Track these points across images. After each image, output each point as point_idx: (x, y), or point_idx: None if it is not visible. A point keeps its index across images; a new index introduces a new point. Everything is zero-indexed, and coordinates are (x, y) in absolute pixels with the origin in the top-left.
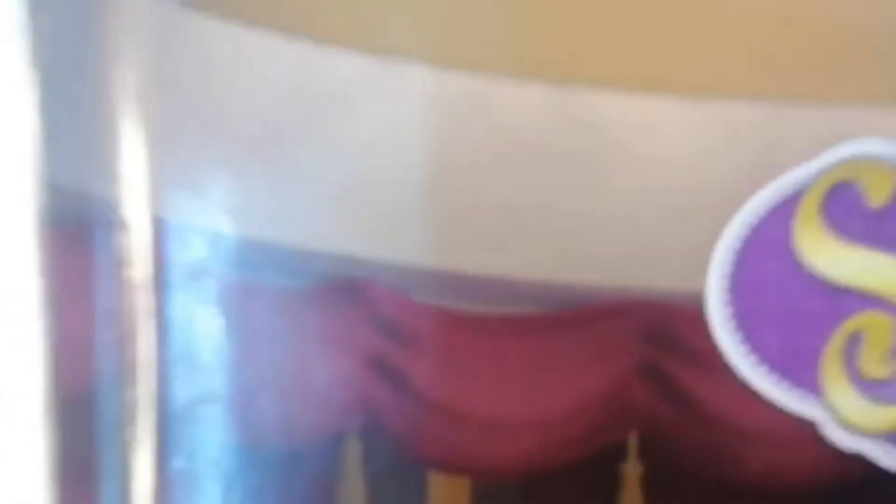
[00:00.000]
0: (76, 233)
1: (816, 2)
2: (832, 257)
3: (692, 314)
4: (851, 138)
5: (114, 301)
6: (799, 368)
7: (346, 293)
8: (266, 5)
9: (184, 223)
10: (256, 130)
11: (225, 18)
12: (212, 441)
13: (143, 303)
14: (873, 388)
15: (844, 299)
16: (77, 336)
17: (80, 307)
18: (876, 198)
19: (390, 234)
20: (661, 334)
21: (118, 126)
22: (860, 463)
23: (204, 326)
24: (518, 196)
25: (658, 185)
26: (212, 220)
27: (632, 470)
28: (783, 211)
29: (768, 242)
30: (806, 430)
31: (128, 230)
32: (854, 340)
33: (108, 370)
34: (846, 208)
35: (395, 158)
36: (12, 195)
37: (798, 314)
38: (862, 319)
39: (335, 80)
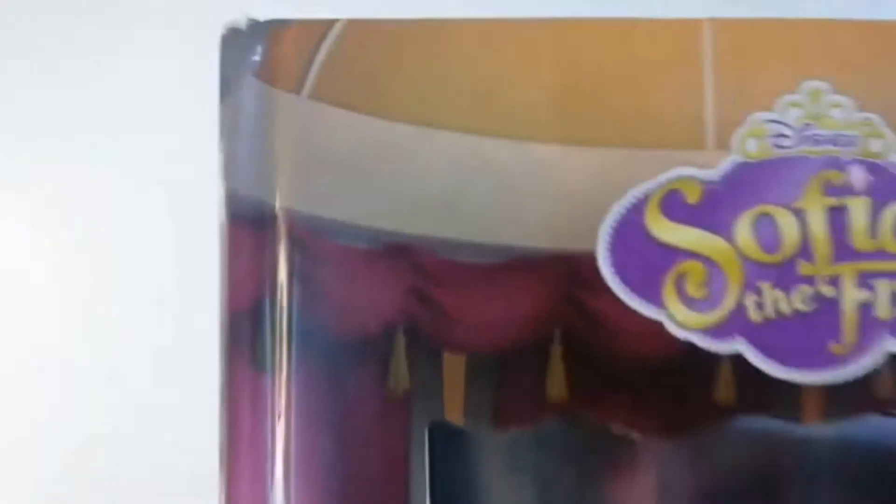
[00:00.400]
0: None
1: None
2: (667, 232)
3: (593, 266)
4: (659, 169)
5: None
6: (651, 292)
7: (394, 251)
8: (375, 97)
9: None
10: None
11: (345, 108)
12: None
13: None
14: (694, 303)
15: (675, 254)
16: None
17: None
18: (691, 198)
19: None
20: (576, 276)
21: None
22: (690, 346)
23: None
24: None
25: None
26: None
27: (556, 349)
28: (639, 206)
29: (630, 224)
30: (656, 327)
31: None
32: (681, 276)
33: None
34: (674, 204)
35: None
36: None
37: (649, 264)
38: (685, 265)
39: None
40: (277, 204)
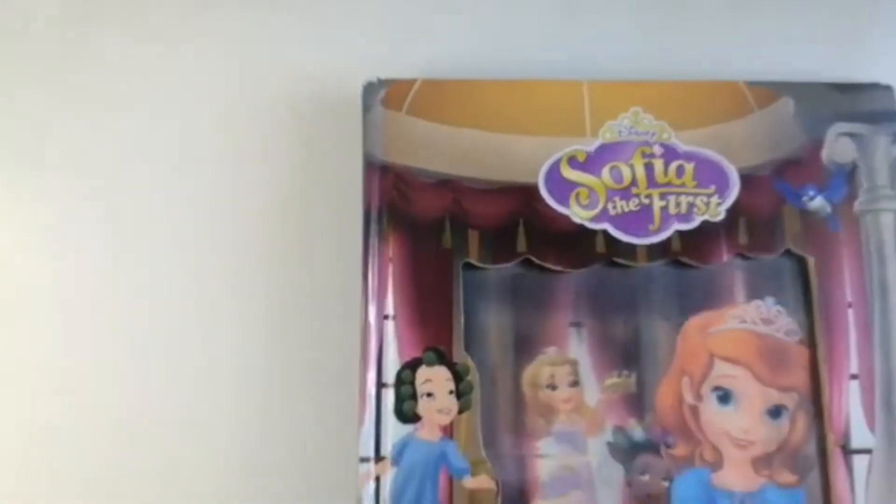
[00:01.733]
0: None
1: None
2: (570, 174)
3: (537, 190)
4: (567, 145)
5: None
6: (564, 201)
7: (444, 182)
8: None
9: None
10: None
11: (422, 118)
12: None
13: None
14: (583, 206)
15: (574, 185)
16: None
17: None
18: (580, 158)
19: None
20: (530, 194)
21: None
22: (582, 226)
23: None
24: None
25: None
26: None
27: (521, 227)
28: (557, 162)
29: (554, 171)
30: (566, 217)
31: None
32: (578, 194)
33: None
34: (573, 161)
35: None
36: None
37: (562, 188)
38: (579, 190)
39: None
40: (389, 159)
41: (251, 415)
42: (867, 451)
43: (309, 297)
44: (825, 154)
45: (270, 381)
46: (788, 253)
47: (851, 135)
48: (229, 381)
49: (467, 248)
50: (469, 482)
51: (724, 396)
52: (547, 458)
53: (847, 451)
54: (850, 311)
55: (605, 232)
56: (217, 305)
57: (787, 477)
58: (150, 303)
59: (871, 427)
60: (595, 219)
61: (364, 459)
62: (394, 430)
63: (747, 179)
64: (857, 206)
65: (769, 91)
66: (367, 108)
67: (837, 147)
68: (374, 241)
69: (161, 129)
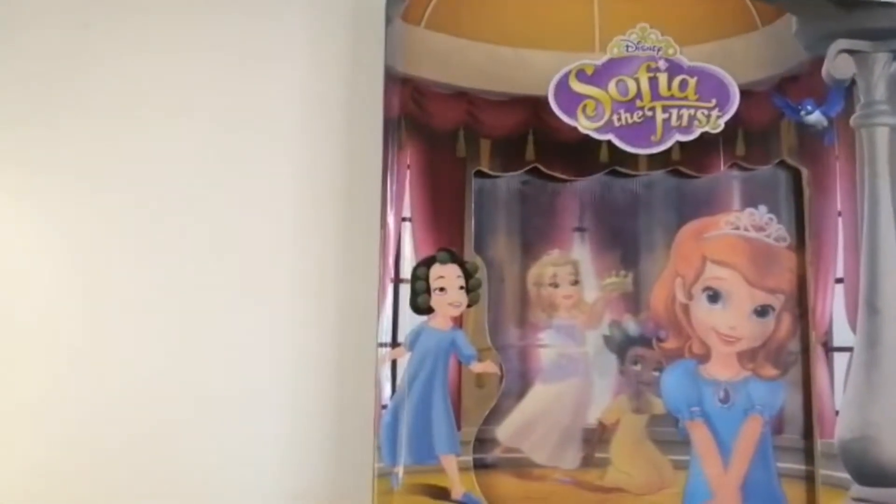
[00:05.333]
0: None
1: None
2: (578, 87)
3: (547, 101)
4: (575, 59)
5: None
6: (572, 112)
7: (460, 93)
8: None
9: None
10: None
11: (438, 31)
12: None
13: None
14: (590, 118)
15: (582, 97)
16: None
17: None
18: (589, 72)
19: None
20: (540, 105)
21: None
22: (588, 136)
23: None
24: None
25: None
26: None
27: (530, 136)
28: (566, 75)
29: (563, 83)
30: (573, 128)
31: None
32: (585, 106)
33: None
34: (582, 74)
35: None
36: None
37: (570, 100)
38: (586, 102)
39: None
40: (408, 71)
41: (283, 303)
42: (848, 350)
43: (332, 201)
44: (825, 70)
45: (300, 275)
46: (783, 164)
47: (852, 51)
48: (260, 273)
49: (479, 157)
50: (476, 367)
51: (714, 296)
52: (548, 348)
53: (828, 349)
54: (840, 220)
55: (609, 142)
56: (248, 202)
57: (770, 370)
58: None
59: (853, 327)
60: (600, 130)
61: (382, 344)
62: (409, 320)
63: (747, 94)
64: (854, 120)
65: (773, 8)
66: (388, 21)
67: (837, 63)
68: (393, 149)
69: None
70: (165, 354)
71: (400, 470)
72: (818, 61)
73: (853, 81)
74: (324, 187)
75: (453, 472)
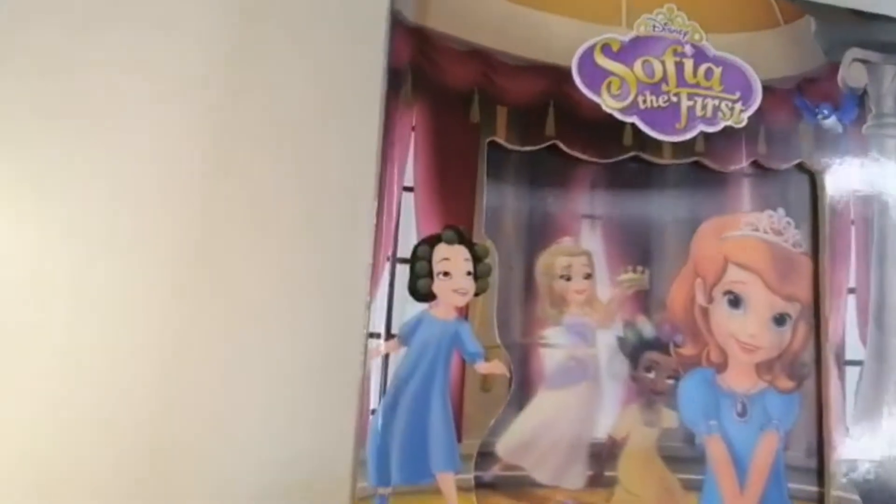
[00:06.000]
0: None
1: None
2: (604, 62)
3: (570, 74)
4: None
5: None
6: (595, 89)
7: (476, 52)
8: None
9: None
10: None
11: None
12: None
13: None
14: (614, 97)
15: (607, 73)
16: None
17: None
18: (615, 48)
19: None
20: (562, 77)
21: None
22: (612, 116)
23: None
24: None
25: None
26: None
27: (551, 110)
28: (591, 48)
29: (587, 57)
30: (597, 105)
31: None
32: (609, 83)
33: None
34: (607, 49)
35: None
36: None
37: (595, 75)
38: (611, 79)
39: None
40: (418, 20)
41: (256, 286)
42: (858, 363)
43: (320, 162)
44: (840, 76)
45: (277, 249)
46: (801, 166)
47: (864, 61)
48: (238, 251)
49: (495, 125)
50: (482, 367)
51: (735, 301)
52: (555, 349)
53: (841, 362)
54: (853, 228)
55: (633, 125)
56: (228, 174)
57: (786, 382)
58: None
59: (864, 341)
60: (625, 111)
61: (373, 335)
62: (407, 307)
63: (769, 91)
64: (865, 129)
65: (795, 7)
66: None
67: (851, 71)
68: (396, 105)
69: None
70: (130, 352)
71: (388, 491)
72: (835, 66)
73: (865, 91)
74: (310, 144)
75: (451, 494)
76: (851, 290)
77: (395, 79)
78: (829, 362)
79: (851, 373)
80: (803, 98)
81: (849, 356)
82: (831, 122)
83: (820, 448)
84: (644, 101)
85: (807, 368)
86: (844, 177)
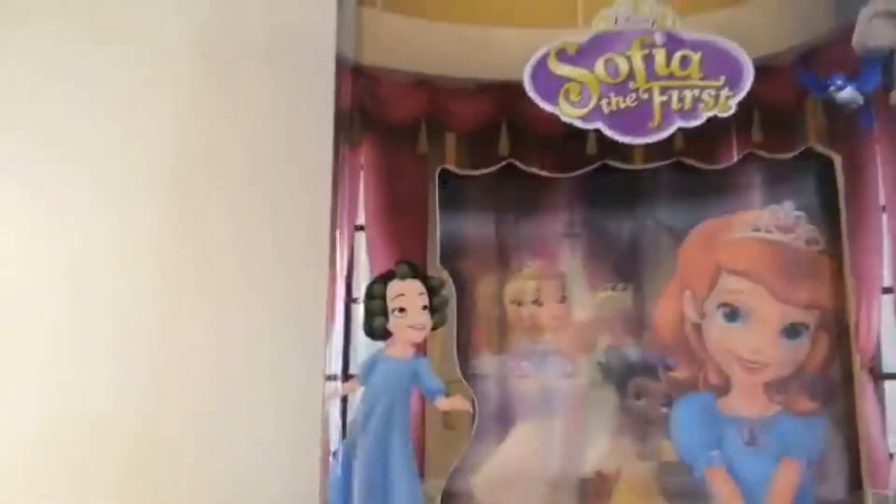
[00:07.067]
0: None
1: None
2: (559, 69)
3: (522, 87)
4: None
5: None
6: (552, 98)
7: (421, 82)
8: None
9: None
10: None
11: (395, 13)
12: None
13: None
14: (574, 104)
15: (564, 80)
16: None
17: None
18: (571, 51)
19: None
20: (514, 92)
21: None
22: (572, 126)
23: None
24: None
25: None
26: None
27: (504, 128)
28: (545, 56)
29: (541, 65)
30: (555, 116)
31: None
32: (567, 90)
33: None
34: (563, 55)
35: None
36: None
37: (550, 85)
38: (569, 85)
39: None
40: (361, 58)
41: (213, 328)
42: None
43: (275, 208)
44: (856, 38)
45: (230, 296)
46: (810, 152)
47: (890, 14)
48: (187, 291)
49: (444, 153)
50: (443, 403)
51: (732, 313)
52: (530, 379)
53: (877, 376)
54: (884, 216)
55: (597, 132)
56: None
57: (805, 404)
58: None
59: None
60: (587, 117)
61: (330, 377)
62: (363, 347)
63: (764, 69)
64: (895, 97)
65: None
66: (341, 4)
67: (871, 30)
68: (344, 147)
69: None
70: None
71: None
72: (847, 28)
73: (892, 51)
74: (264, 193)
75: None
76: (887, 290)
77: (342, 120)
78: (862, 377)
79: (892, 387)
80: (809, 71)
81: (886, 368)
82: (847, 93)
83: (857, 478)
84: (608, 104)
85: (833, 386)
86: (868, 157)
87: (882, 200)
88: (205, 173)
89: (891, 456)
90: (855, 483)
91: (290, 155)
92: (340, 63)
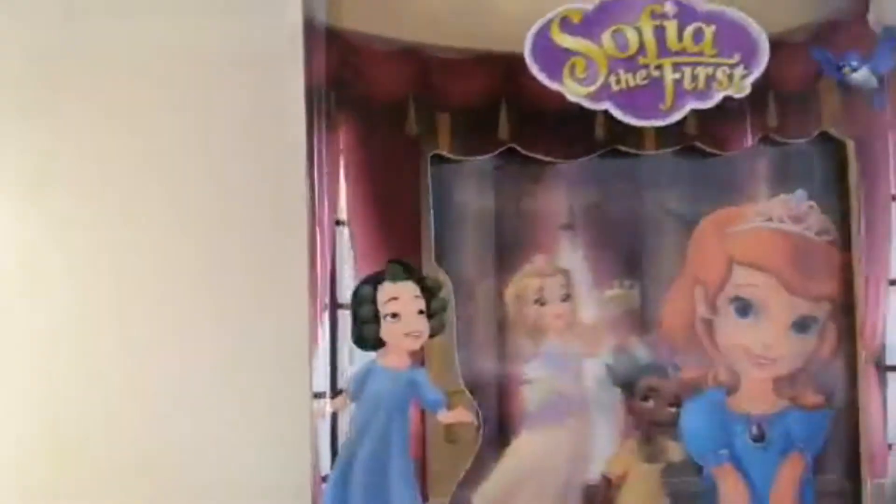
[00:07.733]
0: None
1: None
2: (563, 40)
3: (523, 60)
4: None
5: None
6: (555, 75)
7: (408, 50)
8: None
9: None
10: None
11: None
12: None
13: None
14: (580, 81)
15: (569, 53)
16: None
17: None
18: (576, 20)
19: None
20: (514, 66)
21: None
22: (579, 106)
23: None
24: None
25: None
26: None
27: (503, 108)
28: (547, 24)
29: (543, 35)
30: (559, 95)
31: None
32: (573, 66)
33: None
34: (566, 24)
35: None
36: None
37: (554, 58)
38: (574, 59)
39: None
40: (336, 23)
41: (177, 346)
42: None
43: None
44: (871, 15)
45: (204, 309)
46: (824, 136)
47: None
48: (164, 305)
49: (437, 136)
50: (445, 416)
51: (744, 308)
52: (535, 384)
53: (882, 369)
54: (894, 205)
55: (605, 113)
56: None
57: (813, 398)
58: None
59: None
60: (594, 96)
61: (318, 395)
62: (352, 358)
63: (779, 46)
64: None
65: None
66: None
67: (888, 5)
68: (319, 128)
69: None
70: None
71: None
72: (863, 2)
73: None
74: (232, 184)
75: None
76: (894, 282)
77: (314, 97)
78: (866, 370)
79: (894, 380)
80: (824, 49)
81: (890, 361)
82: (861, 75)
83: (855, 468)
84: (618, 82)
85: (838, 379)
86: (881, 142)
87: (893, 189)
88: (169, 171)
89: (889, 447)
90: (853, 472)
91: (260, 139)
92: (310, 28)
